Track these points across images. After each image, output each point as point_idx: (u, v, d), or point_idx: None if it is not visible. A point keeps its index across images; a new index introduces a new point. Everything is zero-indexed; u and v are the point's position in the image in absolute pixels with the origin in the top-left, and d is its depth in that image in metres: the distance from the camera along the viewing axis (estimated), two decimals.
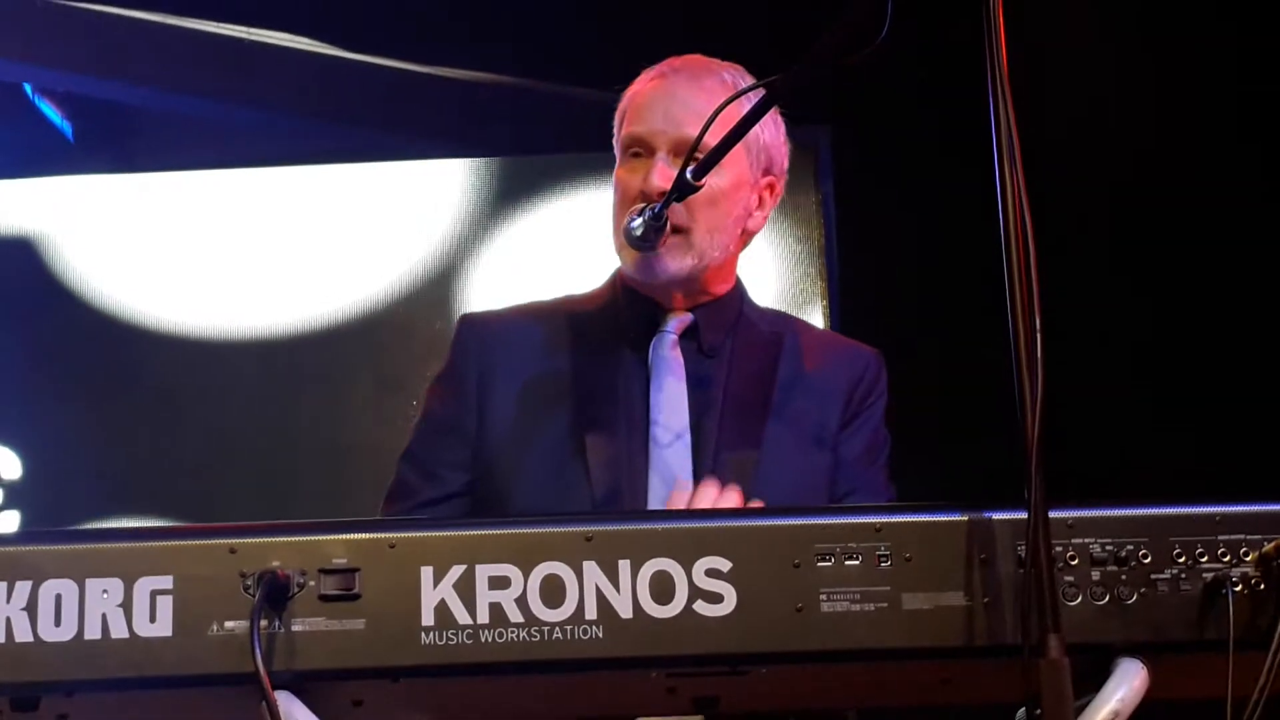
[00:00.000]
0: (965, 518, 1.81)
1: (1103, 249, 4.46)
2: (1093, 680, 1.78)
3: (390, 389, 4.65)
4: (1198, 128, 4.39)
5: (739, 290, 2.71)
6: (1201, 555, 1.81)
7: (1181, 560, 1.81)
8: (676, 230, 2.52)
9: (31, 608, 1.74)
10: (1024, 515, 1.72)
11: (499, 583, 1.77)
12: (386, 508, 2.63)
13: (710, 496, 2.35)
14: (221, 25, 4.69)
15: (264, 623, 1.73)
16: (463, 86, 4.82)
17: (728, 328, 2.66)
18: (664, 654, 1.76)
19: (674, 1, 4.42)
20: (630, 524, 1.81)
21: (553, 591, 1.77)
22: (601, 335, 2.64)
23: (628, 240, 2.52)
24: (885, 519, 1.82)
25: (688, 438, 2.54)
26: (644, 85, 2.66)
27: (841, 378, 2.64)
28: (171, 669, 1.73)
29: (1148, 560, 1.81)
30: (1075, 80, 4.39)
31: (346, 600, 1.75)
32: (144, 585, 1.75)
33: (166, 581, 1.75)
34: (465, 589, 1.76)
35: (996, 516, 1.81)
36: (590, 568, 1.77)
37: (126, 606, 1.74)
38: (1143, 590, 1.80)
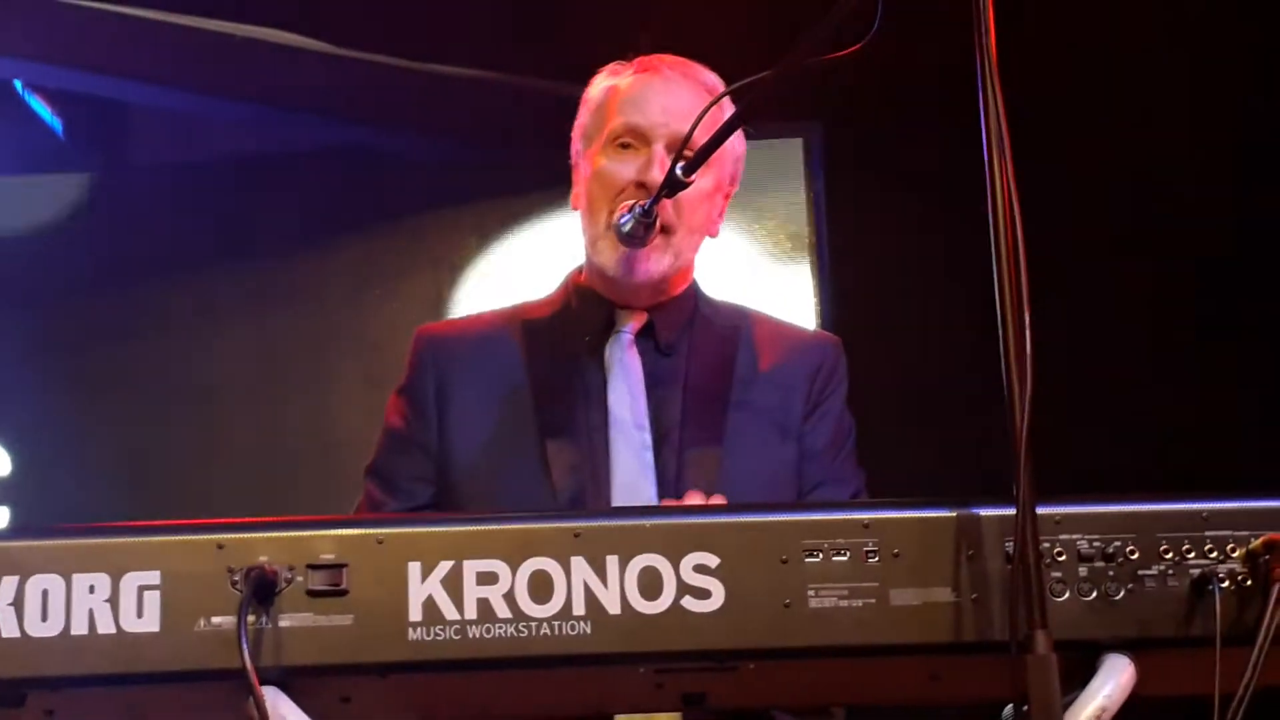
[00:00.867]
0: (953, 514, 1.81)
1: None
2: (1080, 676, 1.78)
3: (379, 386, 4.64)
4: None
5: (694, 287, 2.70)
6: (1189, 552, 1.81)
7: (1169, 557, 1.81)
8: (662, 229, 2.52)
9: (18, 603, 1.73)
10: (1012, 511, 1.71)
11: (487, 578, 1.76)
12: None
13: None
14: (210, 21, 4.68)
15: (251, 618, 1.73)
16: (459, 82, 4.82)
17: (684, 325, 2.65)
18: (652, 650, 1.76)
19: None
20: (618, 520, 1.81)
21: (541, 587, 1.76)
22: (557, 340, 2.63)
23: (618, 236, 2.51)
24: (873, 515, 1.81)
25: (649, 437, 2.53)
26: (629, 78, 2.66)
27: (801, 368, 2.63)
28: (158, 665, 1.73)
29: (1135, 556, 1.81)
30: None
31: (334, 596, 1.75)
32: (131, 581, 1.74)
33: (154, 577, 1.75)
34: (453, 585, 1.76)
35: (984, 513, 1.81)
36: (578, 563, 1.77)
37: (113, 602, 1.74)
38: (1130, 586, 1.80)
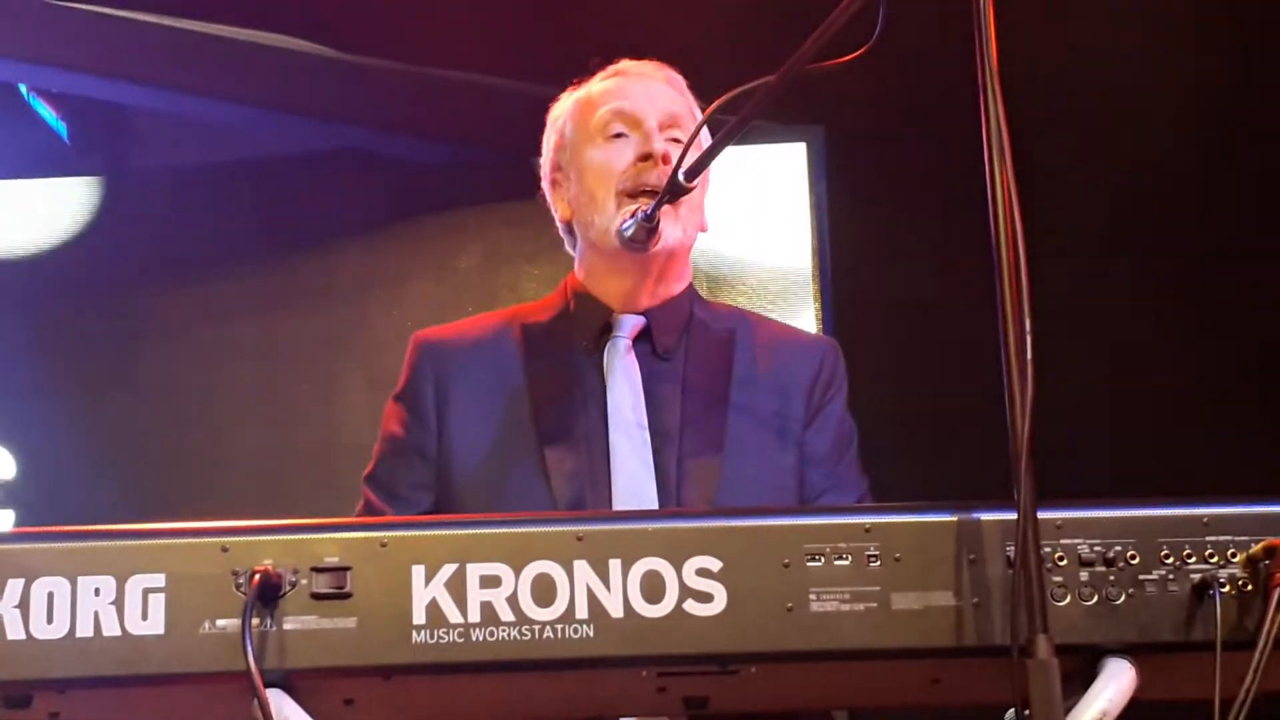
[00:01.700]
0: (954, 518, 1.82)
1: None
2: (1081, 681, 1.78)
3: (383, 389, 4.64)
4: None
5: (690, 290, 2.70)
6: (1189, 557, 1.82)
7: (1169, 561, 1.81)
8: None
9: (24, 605, 1.74)
10: (1013, 516, 1.72)
11: (490, 581, 1.77)
12: None
13: None
14: (213, 25, 4.69)
15: (256, 621, 1.74)
16: (462, 85, 4.82)
17: (681, 328, 2.64)
18: (654, 653, 1.77)
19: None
20: (621, 524, 1.82)
21: (544, 590, 1.77)
22: (555, 344, 2.63)
23: (620, 243, 2.53)
24: (875, 519, 1.82)
25: (648, 443, 2.52)
26: (599, 83, 2.69)
27: (801, 372, 2.62)
28: (163, 667, 1.74)
29: (1136, 561, 1.81)
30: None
31: (338, 599, 1.76)
32: (136, 583, 1.75)
33: (159, 579, 1.76)
34: (456, 588, 1.77)
35: (985, 517, 1.82)
36: (581, 567, 1.78)
37: (119, 604, 1.75)
38: (1131, 591, 1.81)
